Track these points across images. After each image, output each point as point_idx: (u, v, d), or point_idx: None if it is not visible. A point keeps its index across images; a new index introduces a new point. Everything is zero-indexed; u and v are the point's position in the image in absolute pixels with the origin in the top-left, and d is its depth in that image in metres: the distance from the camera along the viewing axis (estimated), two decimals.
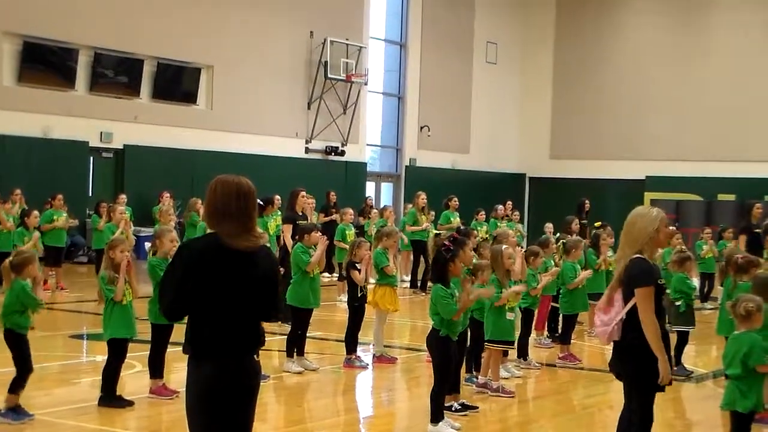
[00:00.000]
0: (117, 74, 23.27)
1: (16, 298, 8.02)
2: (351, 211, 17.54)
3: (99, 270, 9.15)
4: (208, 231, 4.93)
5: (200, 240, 4.99)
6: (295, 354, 10.72)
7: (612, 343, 6.28)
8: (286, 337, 10.86)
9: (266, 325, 10.22)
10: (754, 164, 30.66)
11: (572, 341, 12.11)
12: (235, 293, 4.75)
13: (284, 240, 14.29)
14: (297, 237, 11.18)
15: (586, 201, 21.97)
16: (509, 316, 9.70)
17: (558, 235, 14.03)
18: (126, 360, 8.85)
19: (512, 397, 9.66)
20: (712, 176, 31.21)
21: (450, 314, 8.11)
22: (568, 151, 34.29)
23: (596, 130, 33.69)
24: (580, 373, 11.36)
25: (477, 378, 9.83)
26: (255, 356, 4.87)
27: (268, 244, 10.43)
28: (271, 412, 9.38)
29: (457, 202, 19.89)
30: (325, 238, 10.95)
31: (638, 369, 6.10)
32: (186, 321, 4.81)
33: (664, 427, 8.39)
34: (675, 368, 8.19)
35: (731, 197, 30.99)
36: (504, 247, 10.00)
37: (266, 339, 10.38)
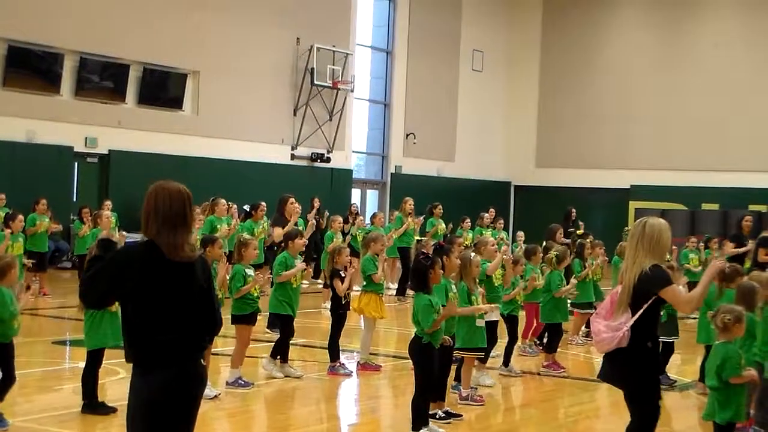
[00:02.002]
0: (102, 79, 23.18)
1: None
2: (340, 218, 17.53)
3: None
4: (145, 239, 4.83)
5: (140, 248, 4.81)
6: (278, 360, 10.70)
7: (604, 353, 6.27)
8: (273, 343, 10.86)
9: (253, 333, 10.27)
10: (738, 174, 30.81)
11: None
12: (177, 304, 4.71)
13: (274, 242, 14.34)
14: (283, 244, 11.18)
15: (573, 210, 22.04)
16: (479, 323, 9.56)
17: (546, 244, 14.02)
18: (109, 366, 8.81)
19: (482, 405, 9.60)
20: (696, 185, 31.35)
21: (427, 324, 8.09)
22: (553, 159, 34.37)
23: (582, 139, 33.79)
24: (565, 382, 11.36)
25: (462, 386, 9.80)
26: (202, 361, 4.86)
27: (255, 252, 10.46)
28: (255, 419, 9.36)
29: (441, 210, 19.91)
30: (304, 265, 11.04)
31: (641, 377, 6.10)
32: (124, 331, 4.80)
33: None
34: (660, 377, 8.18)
35: (715, 206, 31.14)
36: (473, 254, 9.86)
37: (252, 346, 10.43)
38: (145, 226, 4.78)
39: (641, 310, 6.06)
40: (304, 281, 20.18)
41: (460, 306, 9.31)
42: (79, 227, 17.63)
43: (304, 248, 11.75)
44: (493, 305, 9.33)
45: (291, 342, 10.86)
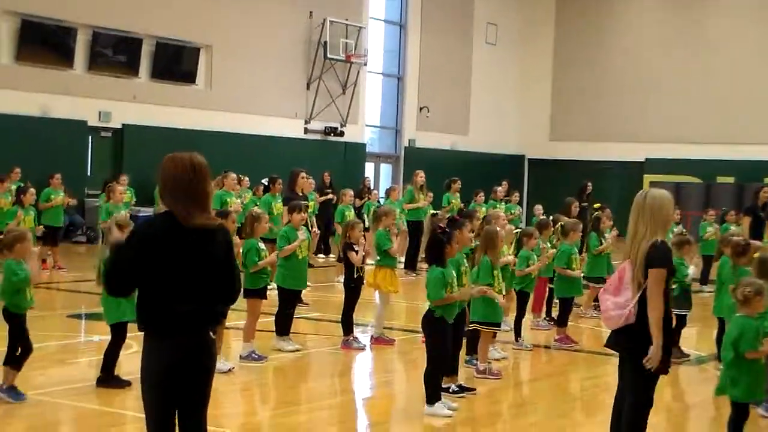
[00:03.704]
0: (116, 53, 23.17)
1: (6, 277, 7.98)
2: (351, 192, 17.49)
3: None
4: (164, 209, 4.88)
5: (155, 219, 4.95)
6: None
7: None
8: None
9: (263, 307, 10.29)
10: (753, 147, 30.61)
11: (569, 323, 12.10)
12: (190, 271, 4.74)
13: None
14: (288, 216, 11.17)
15: (588, 183, 21.95)
16: (496, 298, 9.63)
17: (552, 217, 14.00)
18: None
19: (498, 378, 9.64)
20: (711, 159, 31.18)
21: (436, 297, 8.09)
22: (567, 132, 34.24)
23: (596, 112, 33.63)
24: (577, 356, 11.37)
25: (477, 360, 9.82)
26: (211, 334, 4.87)
27: (270, 225, 10.44)
28: (268, 393, 9.41)
29: (460, 185, 19.81)
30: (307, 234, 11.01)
31: (644, 352, 6.04)
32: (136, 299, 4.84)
33: (661, 409, 8.40)
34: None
35: (730, 180, 31.00)
36: (498, 229, 9.95)
37: (262, 320, 10.47)
38: (161, 197, 4.89)
39: (644, 286, 6.01)
40: (320, 255, 20.38)
41: (483, 280, 9.42)
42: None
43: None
44: (486, 288, 9.31)
45: (303, 316, 10.87)
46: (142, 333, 4.87)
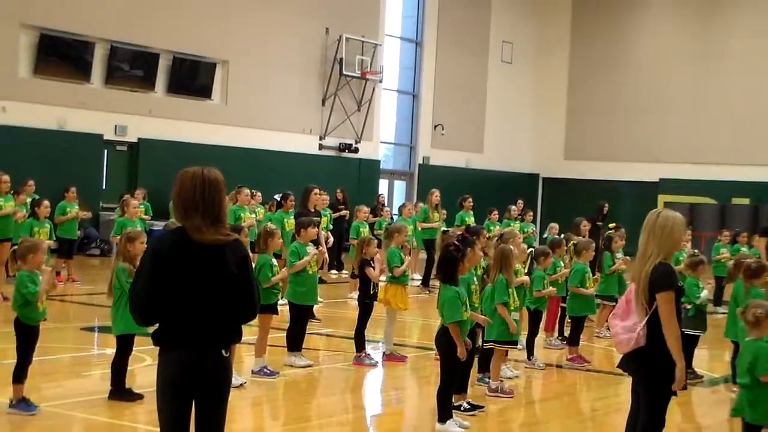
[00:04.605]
0: (132, 68, 23.32)
1: (17, 288, 8.02)
2: (365, 208, 17.52)
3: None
4: (177, 225, 4.88)
5: (168, 235, 4.92)
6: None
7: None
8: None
9: (275, 322, 10.30)
10: None
11: (582, 342, 12.08)
12: (200, 287, 4.73)
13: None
14: (295, 232, 11.18)
15: (606, 204, 21.95)
16: (514, 316, 9.67)
17: (564, 235, 13.99)
18: (136, 353, 8.88)
19: (510, 397, 9.63)
20: (726, 180, 31.11)
21: (452, 319, 8.08)
22: (582, 151, 34.23)
23: (610, 131, 33.61)
24: (589, 375, 11.33)
25: (489, 378, 9.80)
26: (224, 352, 4.83)
27: (280, 241, 10.45)
28: (280, 408, 9.41)
29: (472, 203, 19.82)
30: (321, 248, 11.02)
31: (656, 373, 6.03)
32: None
33: (674, 430, 8.36)
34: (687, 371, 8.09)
35: (745, 201, 30.90)
36: (512, 247, 9.98)
37: (274, 335, 10.46)
38: (174, 211, 4.91)
39: (652, 308, 5.99)
40: (333, 271, 20.39)
41: (499, 299, 9.48)
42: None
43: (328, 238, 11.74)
44: (488, 319, 9.33)
45: (316, 332, 10.88)
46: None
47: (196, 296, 4.74)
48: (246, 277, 4.85)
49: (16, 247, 8.47)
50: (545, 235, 18.49)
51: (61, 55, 21.94)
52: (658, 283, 5.97)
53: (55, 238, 15.47)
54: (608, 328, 13.01)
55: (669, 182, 32.15)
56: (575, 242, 12.48)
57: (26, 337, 8.06)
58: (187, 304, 4.73)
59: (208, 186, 4.80)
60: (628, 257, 13.66)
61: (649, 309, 6.01)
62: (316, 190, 15.80)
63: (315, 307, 12.66)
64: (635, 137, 33.08)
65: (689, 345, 10.85)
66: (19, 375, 8.04)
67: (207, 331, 4.76)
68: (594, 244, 12.87)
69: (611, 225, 16.08)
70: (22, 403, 8.03)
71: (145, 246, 8.70)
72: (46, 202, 15.34)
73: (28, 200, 16.35)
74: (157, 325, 4.84)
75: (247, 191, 17.20)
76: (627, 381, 7.22)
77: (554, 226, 18.41)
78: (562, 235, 13.92)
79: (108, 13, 22.50)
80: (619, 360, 6.39)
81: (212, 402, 4.83)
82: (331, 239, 16.67)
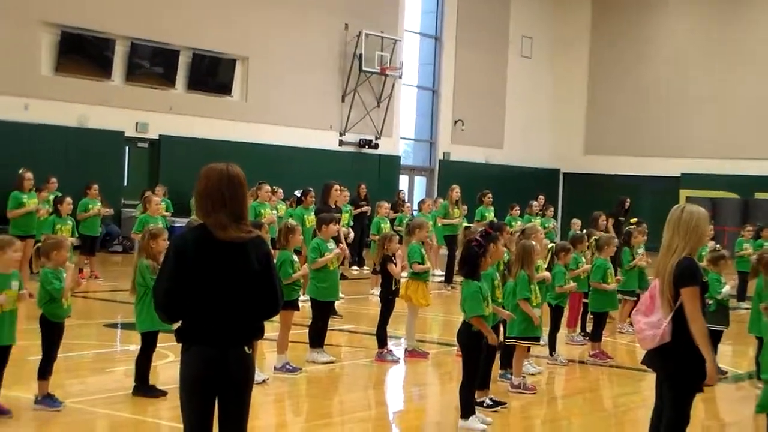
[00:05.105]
0: (153, 65, 23.40)
1: (42, 285, 8.06)
2: (386, 204, 17.51)
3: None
4: (198, 221, 4.88)
5: (191, 232, 4.91)
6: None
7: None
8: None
9: (297, 319, 10.32)
10: None
11: (604, 338, 12.04)
12: (223, 285, 4.73)
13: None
14: (316, 229, 11.19)
15: (627, 199, 21.92)
16: (536, 311, 9.66)
17: (585, 231, 13.95)
18: (159, 350, 8.91)
19: (533, 393, 9.61)
20: (749, 174, 30.90)
21: (474, 313, 8.07)
22: (602, 146, 34.10)
23: (631, 126, 33.47)
24: (612, 371, 11.30)
25: (511, 375, 9.79)
26: (246, 349, 4.82)
27: (301, 237, 10.46)
28: (302, 405, 9.42)
29: (491, 198, 19.81)
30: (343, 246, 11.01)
31: (681, 369, 5.99)
32: None
33: (697, 427, 8.32)
34: None
35: None
36: (534, 243, 9.96)
37: (296, 332, 10.49)
38: (197, 208, 4.89)
39: (677, 304, 5.95)
40: (354, 267, 20.39)
41: (521, 294, 9.49)
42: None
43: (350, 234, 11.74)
44: (512, 314, 9.33)
45: (338, 328, 10.89)
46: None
47: (219, 293, 4.74)
48: (269, 273, 4.85)
49: (39, 244, 8.51)
50: (569, 231, 18.47)
51: (82, 53, 22.04)
52: (683, 278, 5.94)
53: (77, 235, 15.54)
54: (631, 324, 13.02)
55: (691, 177, 31.98)
56: (597, 237, 12.43)
57: (51, 334, 8.12)
58: (210, 301, 4.73)
59: (232, 183, 4.81)
60: (647, 252, 13.62)
61: (673, 304, 5.97)
62: (337, 187, 15.80)
63: (336, 304, 12.67)
64: (656, 132, 32.92)
65: (713, 341, 10.79)
66: (45, 371, 8.10)
67: (230, 328, 4.77)
68: (616, 240, 12.83)
69: (632, 220, 16.05)
70: (48, 399, 8.08)
71: (167, 243, 8.75)
72: (69, 200, 15.39)
73: (51, 197, 16.42)
74: (180, 322, 4.84)
75: (268, 187, 17.22)
76: (650, 377, 7.21)
77: (576, 222, 18.36)
78: (584, 231, 13.86)
79: (128, 11, 22.58)
80: (643, 356, 6.35)
81: (235, 399, 4.84)
82: (351, 235, 16.67)
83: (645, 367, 6.48)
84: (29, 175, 15.47)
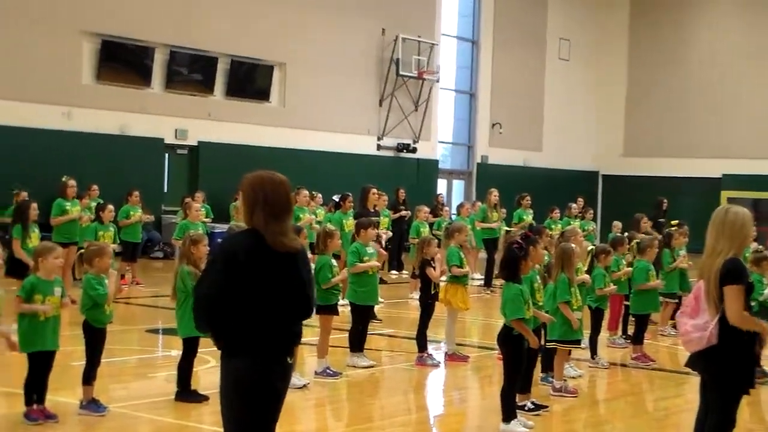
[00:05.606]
0: (191, 72, 23.59)
1: (85, 291, 8.14)
2: (426, 208, 17.50)
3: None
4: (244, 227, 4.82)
5: (242, 239, 4.79)
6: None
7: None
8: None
9: (334, 323, 10.34)
10: None
11: (646, 341, 11.95)
12: (277, 294, 4.70)
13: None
14: (355, 233, 11.21)
15: (664, 200, 21.75)
16: (577, 315, 9.62)
17: (627, 233, 13.86)
18: (201, 355, 8.97)
19: (575, 396, 9.56)
20: None
21: (515, 315, 8.05)
22: (641, 148, 33.85)
23: (671, 127, 33.20)
24: (654, 374, 11.21)
25: (552, 378, 9.75)
26: (288, 358, 4.82)
27: (339, 242, 10.49)
28: (343, 409, 9.44)
29: (530, 201, 19.75)
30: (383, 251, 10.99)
31: (726, 372, 5.94)
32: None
33: (742, 430, 8.22)
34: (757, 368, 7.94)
35: None
36: (574, 246, 9.93)
37: (336, 336, 10.52)
38: (250, 215, 4.76)
39: (723, 306, 5.89)
40: (393, 272, 20.41)
41: (561, 297, 9.46)
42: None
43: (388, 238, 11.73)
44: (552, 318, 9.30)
45: (377, 332, 10.90)
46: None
47: (268, 303, 4.70)
48: (311, 282, 4.89)
49: (82, 251, 8.61)
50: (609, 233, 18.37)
51: (122, 61, 22.26)
52: (729, 277, 5.89)
53: (119, 242, 15.69)
54: (673, 326, 12.95)
55: (732, 178, 31.66)
56: (639, 240, 12.34)
57: (94, 340, 8.20)
58: (257, 311, 4.68)
59: (287, 192, 4.81)
60: (689, 254, 13.50)
61: (720, 306, 5.92)
62: (374, 190, 15.84)
63: (376, 308, 12.68)
64: (696, 133, 32.63)
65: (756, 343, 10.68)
66: (89, 377, 8.18)
67: (274, 338, 4.75)
68: (657, 241, 12.74)
69: (673, 222, 15.89)
70: (92, 404, 8.17)
71: (208, 249, 8.82)
72: (111, 207, 15.55)
73: (93, 204, 16.60)
74: (212, 329, 4.79)
75: (306, 192, 17.30)
76: (692, 380, 7.15)
77: (617, 224, 18.24)
78: (625, 233, 13.77)
79: (167, 19, 22.78)
80: (687, 359, 6.30)
81: (275, 408, 4.84)
82: (386, 236, 16.65)
83: (687, 370, 6.43)
84: (72, 182, 15.63)
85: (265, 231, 4.71)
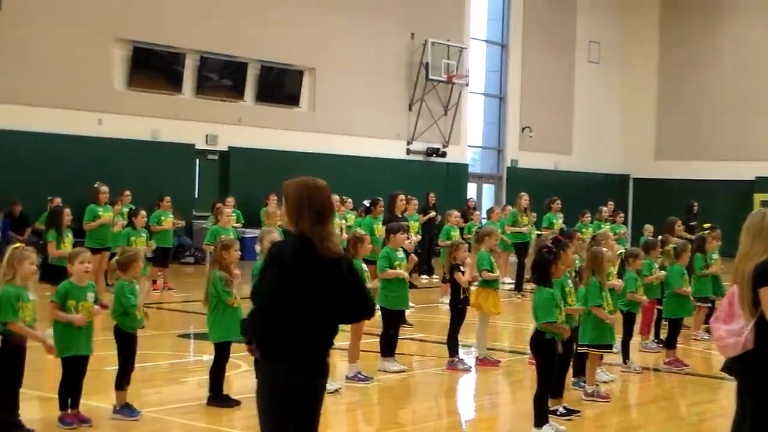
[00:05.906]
0: (222, 77, 23.72)
1: (116, 297, 8.20)
2: (456, 213, 17.46)
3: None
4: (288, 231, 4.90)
5: (291, 243, 4.85)
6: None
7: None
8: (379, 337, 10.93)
9: (365, 328, 10.35)
10: None
11: (678, 345, 11.86)
12: (322, 298, 4.74)
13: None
14: (385, 238, 11.22)
15: (695, 203, 21.58)
16: (607, 318, 9.59)
17: (661, 237, 13.74)
18: (232, 360, 9.01)
19: (607, 401, 9.51)
20: None
21: (546, 319, 8.03)
22: (673, 151, 33.64)
23: (702, 130, 32.96)
24: (687, 379, 11.12)
25: (584, 383, 9.71)
26: (326, 358, 4.88)
27: (369, 247, 10.51)
28: (374, 414, 9.44)
29: (560, 205, 19.66)
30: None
31: (763, 376, 5.88)
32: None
33: None
34: None
35: None
36: (605, 250, 9.88)
37: (367, 341, 10.52)
38: (296, 220, 4.81)
39: (759, 310, 5.82)
40: (423, 276, 20.39)
41: (593, 301, 9.45)
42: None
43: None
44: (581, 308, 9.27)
45: (408, 337, 10.89)
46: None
47: (312, 308, 4.74)
48: (359, 282, 4.94)
49: (115, 257, 8.67)
50: (641, 237, 18.27)
51: (153, 67, 22.43)
52: (762, 279, 5.83)
53: (150, 241, 15.78)
54: (706, 331, 12.84)
55: (765, 180, 31.37)
56: (675, 246, 12.21)
57: (126, 345, 8.26)
58: (302, 315, 4.73)
59: (330, 198, 4.89)
60: (721, 258, 13.39)
61: (755, 310, 5.85)
62: (401, 197, 15.83)
63: (407, 312, 12.68)
64: (728, 135, 32.37)
65: None
66: (122, 381, 8.24)
67: (314, 342, 4.80)
68: (689, 246, 12.64)
69: (706, 225, 15.76)
70: (126, 409, 8.22)
71: (239, 253, 8.87)
72: (143, 212, 15.64)
73: (125, 210, 16.71)
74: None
75: (337, 197, 17.32)
76: (727, 385, 7.11)
77: (649, 228, 18.12)
78: (659, 237, 13.65)
79: (197, 25, 22.92)
80: (723, 363, 6.24)
81: (313, 411, 4.88)
82: (416, 240, 16.64)
83: (721, 375, 6.38)
84: (105, 188, 15.74)
85: (312, 235, 4.76)
